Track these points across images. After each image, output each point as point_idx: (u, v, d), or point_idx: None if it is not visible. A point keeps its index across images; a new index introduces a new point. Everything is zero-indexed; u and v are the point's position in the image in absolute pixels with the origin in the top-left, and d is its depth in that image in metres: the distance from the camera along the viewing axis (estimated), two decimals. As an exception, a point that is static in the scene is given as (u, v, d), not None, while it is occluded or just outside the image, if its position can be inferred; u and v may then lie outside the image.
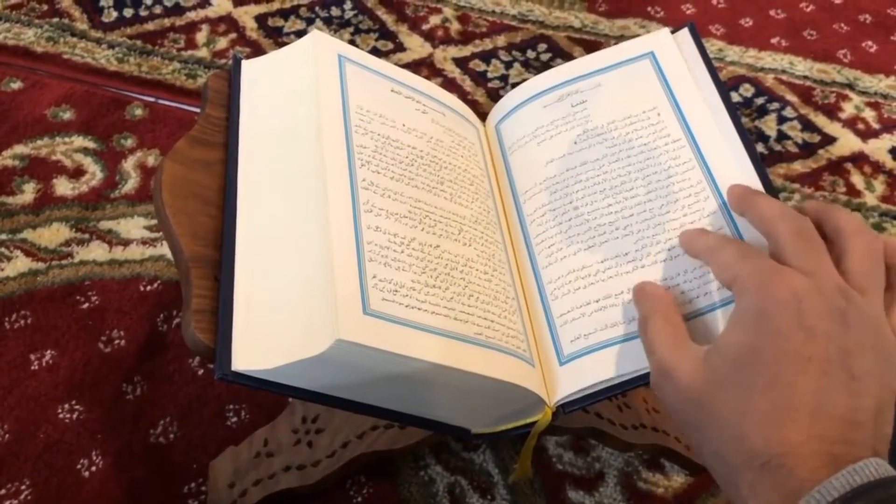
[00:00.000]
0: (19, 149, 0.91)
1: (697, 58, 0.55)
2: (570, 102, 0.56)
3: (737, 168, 0.49)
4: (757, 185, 0.48)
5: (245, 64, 0.57)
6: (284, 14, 1.11)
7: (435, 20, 1.12)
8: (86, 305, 0.78)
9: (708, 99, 0.53)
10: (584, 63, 0.58)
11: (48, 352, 0.75)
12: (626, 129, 0.54)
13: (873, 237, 0.41)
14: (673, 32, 0.57)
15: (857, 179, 0.97)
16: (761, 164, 0.49)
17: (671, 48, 0.56)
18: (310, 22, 1.10)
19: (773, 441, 0.34)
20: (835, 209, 0.42)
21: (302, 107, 0.51)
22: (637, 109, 0.54)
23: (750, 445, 0.34)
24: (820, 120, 1.03)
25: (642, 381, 0.45)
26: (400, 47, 1.08)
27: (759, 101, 1.05)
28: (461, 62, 1.07)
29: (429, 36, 1.10)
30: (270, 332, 0.43)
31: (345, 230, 0.44)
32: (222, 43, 1.06)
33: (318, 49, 0.54)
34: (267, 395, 0.71)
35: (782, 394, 0.34)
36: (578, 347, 0.47)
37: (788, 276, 0.38)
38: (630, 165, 0.52)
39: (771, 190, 0.48)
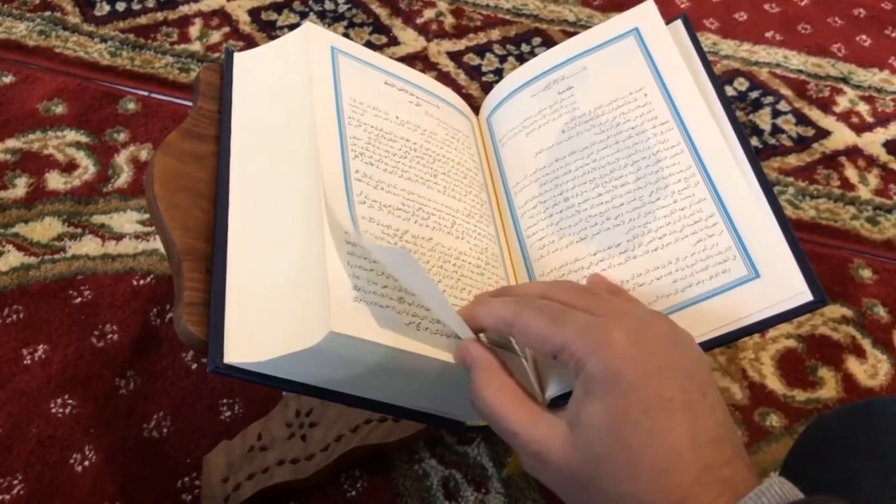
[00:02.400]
0: (11, 143, 0.90)
1: (691, 51, 0.55)
2: (557, 90, 0.56)
3: (725, 148, 0.49)
4: (750, 175, 0.48)
5: (237, 56, 0.56)
6: (278, 8, 1.10)
7: (429, 14, 1.12)
8: (78, 300, 0.78)
9: (702, 89, 0.52)
10: (569, 46, 0.58)
11: (41, 346, 0.75)
12: (614, 114, 0.53)
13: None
14: (665, 24, 0.56)
15: (851, 173, 0.97)
16: (756, 157, 0.49)
17: (655, 21, 0.55)
18: (303, 16, 1.09)
19: (669, 490, 0.33)
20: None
21: (295, 99, 0.51)
22: (623, 91, 0.54)
23: None
24: (814, 114, 1.03)
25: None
26: (394, 41, 1.08)
27: (754, 94, 1.05)
28: (455, 56, 1.06)
29: (423, 30, 1.09)
30: (263, 324, 0.43)
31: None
32: (215, 37, 1.05)
33: (311, 41, 0.54)
34: (260, 389, 0.71)
35: (663, 443, 0.34)
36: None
37: (611, 326, 0.36)
38: (619, 152, 0.52)
39: (765, 183, 0.48)
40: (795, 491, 0.32)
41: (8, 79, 0.97)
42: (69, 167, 0.89)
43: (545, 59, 0.58)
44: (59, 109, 0.94)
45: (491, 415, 0.39)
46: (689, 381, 0.35)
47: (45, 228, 0.83)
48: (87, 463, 0.68)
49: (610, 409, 0.35)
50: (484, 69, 1.05)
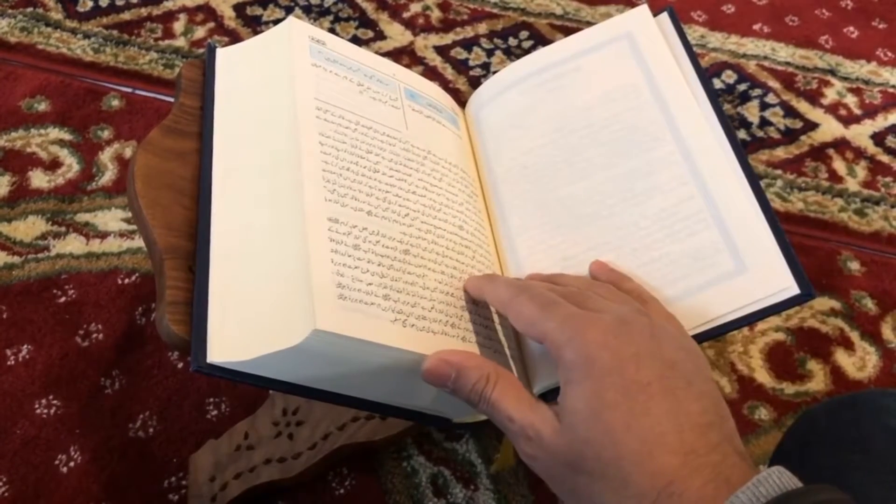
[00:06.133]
0: (-7, 141, 0.89)
1: (678, 44, 0.55)
2: (547, 88, 0.56)
3: (718, 151, 0.49)
4: (736, 169, 0.48)
5: (220, 52, 0.56)
6: (263, 2, 1.09)
7: (416, 8, 1.11)
8: (63, 299, 0.77)
9: (687, 82, 0.52)
10: (562, 47, 0.57)
11: (24, 346, 0.74)
12: (604, 114, 0.53)
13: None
14: (652, 17, 0.56)
15: (839, 165, 0.97)
16: (742, 151, 0.49)
17: (649, 26, 0.55)
18: (289, 10, 1.09)
19: (655, 474, 0.34)
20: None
21: (277, 95, 0.51)
22: (613, 92, 0.54)
23: (636, 488, 0.34)
24: (802, 106, 1.03)
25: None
26: (380, 35, 1.07)
27: (742, 87, 1.05)
28: (442, 50, 1.06)
29: (409, 24, 1.09)
30: (246, 323, 0.42)
31: (320, 219, 0.44)
32: (200, 32, 1.04)
33: (294, 36, 0.53)
34: (247, 388, 0.71)
35: (643, 426, 0.34)
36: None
37: (593, 318, 0.38)
38: (608, 150, 0.52)
39: (752, 176, 0.48)
40: (795, 480, 0.32)
41: (-10, 76, 0.96)
42: (53, 165, 0.88)
43: (536, 58, 0.58)
44: (42, 107, 0.93)
45: (490, 405, 0.40)
46: (669, 370, 0.36)
47: (28, 227, 0.82)
48: (72, 464, 0.68)
49: (588, 393, 0.36)
50: (471, 63, 1.04)
